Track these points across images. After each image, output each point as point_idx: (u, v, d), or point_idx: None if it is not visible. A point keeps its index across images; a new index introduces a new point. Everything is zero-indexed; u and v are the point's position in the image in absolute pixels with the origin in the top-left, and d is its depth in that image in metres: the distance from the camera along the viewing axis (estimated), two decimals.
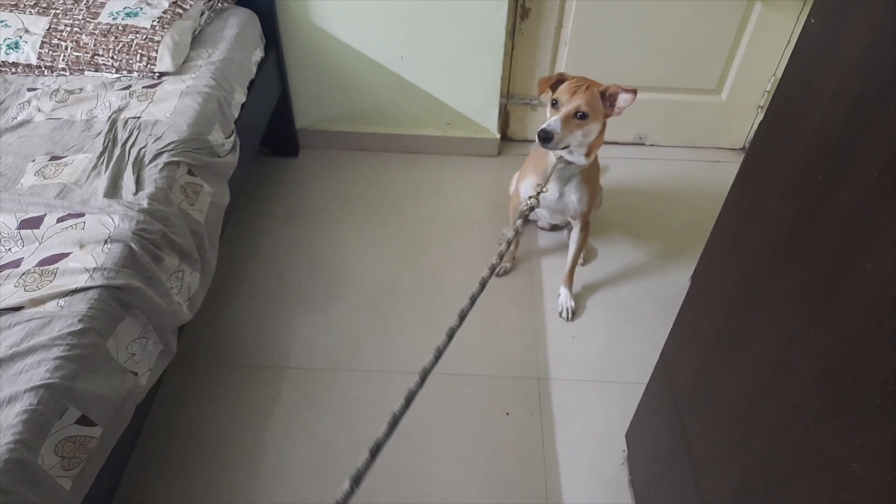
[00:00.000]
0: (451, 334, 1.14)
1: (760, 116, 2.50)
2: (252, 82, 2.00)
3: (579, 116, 1.57)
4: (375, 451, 0.93)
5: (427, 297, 2.04)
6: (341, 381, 1.80)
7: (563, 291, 2.01)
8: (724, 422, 1.06)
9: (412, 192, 2.42)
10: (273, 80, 2.23)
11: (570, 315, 1.98)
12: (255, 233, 2.23)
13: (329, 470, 1.60)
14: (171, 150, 1.52)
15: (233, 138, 1.76)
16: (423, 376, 1.08)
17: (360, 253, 2.18)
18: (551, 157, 1.72)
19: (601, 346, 1.92)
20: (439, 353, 1.09)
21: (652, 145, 2.63)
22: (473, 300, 1.31)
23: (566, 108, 1.56)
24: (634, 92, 1.57)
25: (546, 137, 1.53)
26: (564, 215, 1.92)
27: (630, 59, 2.34)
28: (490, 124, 2.49)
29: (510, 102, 2.51)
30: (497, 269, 2.10)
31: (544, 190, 1.62)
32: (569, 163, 1.68)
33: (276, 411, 1.73)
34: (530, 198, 1.51)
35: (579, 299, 2.04)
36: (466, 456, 1.65)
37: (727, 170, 2.53)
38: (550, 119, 1.56)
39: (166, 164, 1.49)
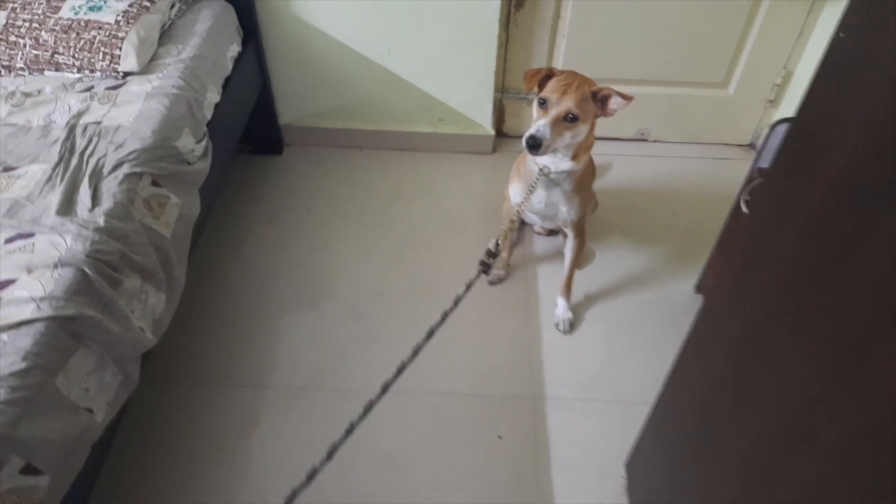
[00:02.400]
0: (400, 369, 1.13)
1: (770, 112, 2.37)
2: (228, 79, 1.87)
3: (569, 119, 1.44)
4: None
5: (414, 306, 1.93)
6: (323, 401, 1.69)
7: (561, 302, 1.90)
8: (733, 474, 0.95)
9: (401, 192, 2.30)
10: (252, 75, 2.10)
11: (567, 327, 1.87)
12: (235, 237, 2.11)
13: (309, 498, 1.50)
14: (132, 160, 1.40)
15: (204, 142, 1.64)
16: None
17: (345, 258, 2.07)
18: (532, 164, 1.60)
19: (599, 362, 1.81)
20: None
21: (655, 141, 2.50)
22: (431, 333, 1.26)
23: (556, 111, 1.43)
24: (630, 98, 1.44)
25: (535, 144, 1.41)
26: (555, 223, 1.81)
27: (632, 52, 2.20)
28: (484, 120, 2.36)
29: (505, 97, 2.38)
30: (490, 278, 1.99)
31: (525, 203, 1.52)
32: (555, 172, 1.56)
33: (255, 435, 1.62)
34: (512, 221, 1.42)
35: (578, 310, 1.93)
36: (454, 483, 1.55)
37: (734, 167, 2.40)
38: (539, 122, 1.43)
39: (127, 176, 1.37)
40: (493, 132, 2.39)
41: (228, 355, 1.79)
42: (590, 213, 2.00)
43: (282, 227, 2.15)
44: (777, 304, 0.83)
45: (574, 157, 1.54)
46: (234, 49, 1.94)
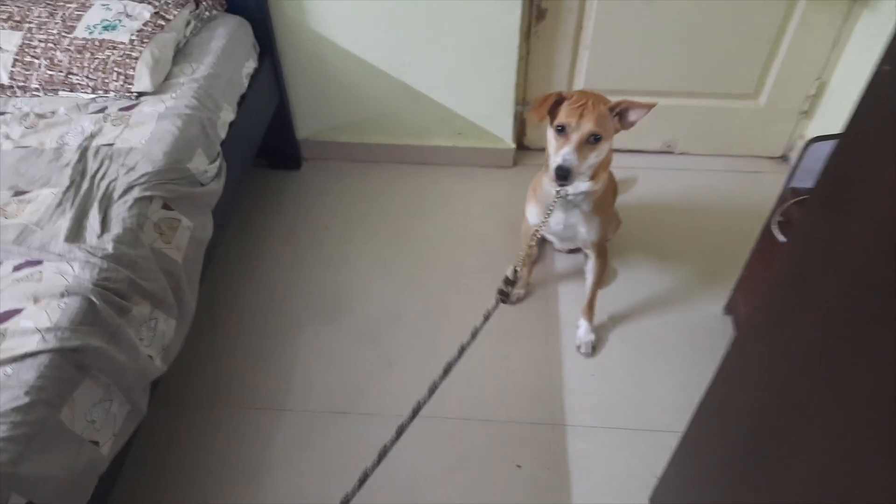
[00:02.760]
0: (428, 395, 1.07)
1: (803, 123, 2.28)
2: (243, 96, 1.85)
3: (592, 140, 1.38)
4: None
5: (432, 328, 1.88)
6: (339, 426, 1.65)
7: (583, 324, 1.83)
8: None
9: (420, 208, 2.25)
10: (269, 91, 2.08)
11: (589, 350, 1.81)
12: (251, 255, 2.09)
13: None
14: (143, 184, 1.38)
15: (218, 163, 1.61)
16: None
17: (362, 277, 2.03)
18: (548, 185, 1.54)
19: (623, 387, 1.74)
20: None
21: (682, 154, 2.42)
22: (447, 369, 1.21)
23: (578, 135, 1.37)
24: (649, 107, 1.39)
25: (565, 174, 1.35)
26: (574, 243, 1.75)
27: (658, 63, 2.13)
28: (504, 133, 2.31)
29: (526, 110, 2.32)
30: (510, 297, 1.93)
31: (543, 225, 1.47)
32: (573, 193, 1.49)
33: (267, 459, 1.59)
34: (529, 246, 1.37)
35: (600, 332, 1.87)
36: None
37: (765, 181, 2.32)
38: (563, 151, 1.37)
39: (137, 201, 1.35)
40: (513, 145, 2.34)
41: (242, 377, 1.76)
42: (612, 232, 1.94)
43: (298, 244, 2.12)
44: (812, 355, 0.76)
45: (593, 177, 1.48)
46: (250, 65, 1.92)
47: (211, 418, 1.67)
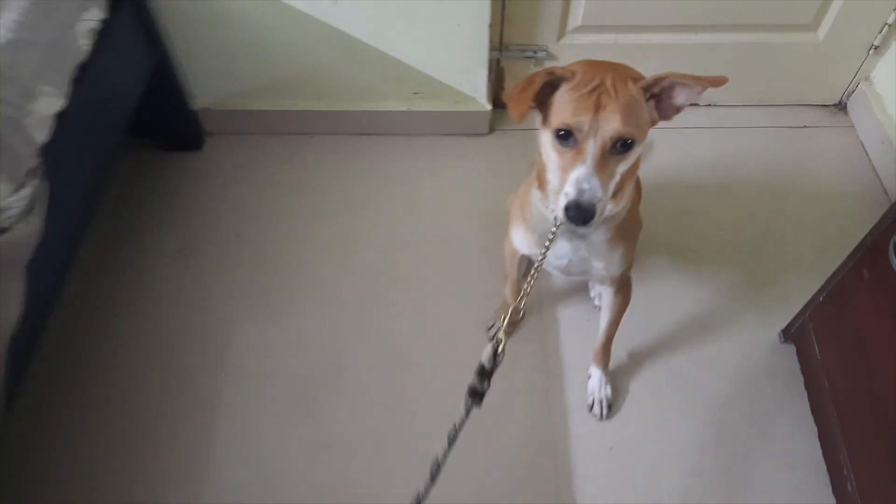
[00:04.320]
0: None
1: (871, 61, 1.71)
2: (84, 67, 1.23)
3: (620, 148, 0.82)
4: None
5: (387, 388, 1.36)
6: None
7: (595, 372, 1.34)
8: None
9: (366, 199, 1.68)
10: (134, 50, 1.44)
11: (604, 410, 1.32)
12: (132, 285, 1.50)
13: None
14: None
15: (29, 189, 1.02)
16: None
17: (287, 315, 1.47)
18: (540, 205, 1.00)
19: (652, 462, 1.26)
20: None
21: (708, 105, 1.85)
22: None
23: (596, 144, 0.80)
24: (709, 82, 0.81)
25: (587, 217, 0.80)
26: (585, 278, 1.22)
27: None
28: (476, 91, 1.71)
29: (505, 56, 1.72)
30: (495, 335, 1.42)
31: (543, 257, 0.94)
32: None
33: None
34: (516, 310, 0.88)
35: (617, 378, 1.37)
36: None
37: (819, 140, 1.78)
38: (577, 174, 0.80)
39: None
40: (489, 106, 1.74)
41: (119, 487, 1.23)
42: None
43: (198, 264, 1.54)
44: None
45: (615, 195, 0.91)
46: (93, 16, 1.27)
47: None
